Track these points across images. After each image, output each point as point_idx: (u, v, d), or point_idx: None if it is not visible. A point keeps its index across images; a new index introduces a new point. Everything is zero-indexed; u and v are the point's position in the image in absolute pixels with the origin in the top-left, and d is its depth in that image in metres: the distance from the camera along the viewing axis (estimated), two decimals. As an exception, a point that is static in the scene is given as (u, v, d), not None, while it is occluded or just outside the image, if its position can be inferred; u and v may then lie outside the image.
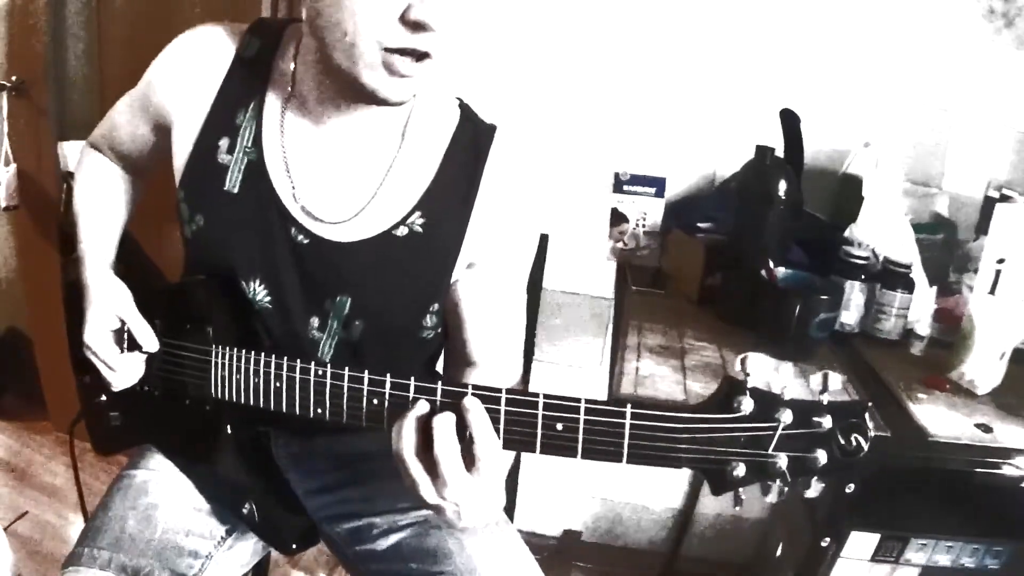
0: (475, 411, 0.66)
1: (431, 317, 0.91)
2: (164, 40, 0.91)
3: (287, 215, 0.85)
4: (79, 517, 1.12)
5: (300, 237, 0.85)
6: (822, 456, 0.60)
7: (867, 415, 0.60)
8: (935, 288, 1.36)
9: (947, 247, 1.50)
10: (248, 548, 0.98)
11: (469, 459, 0.67)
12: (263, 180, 0.86)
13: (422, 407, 0.68)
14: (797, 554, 1.44)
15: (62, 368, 1.09)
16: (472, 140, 0.88)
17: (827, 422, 0.60)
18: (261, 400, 0.82)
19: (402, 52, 0.70)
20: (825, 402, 0.60)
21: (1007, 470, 1.00)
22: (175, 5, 1.68)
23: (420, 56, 0.71)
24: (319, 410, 0.77)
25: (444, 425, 0.66)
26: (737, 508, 0.63)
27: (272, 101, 0.86)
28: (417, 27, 0.69)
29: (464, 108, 0.91)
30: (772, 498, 0.62)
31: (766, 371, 0.61)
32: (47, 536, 1.79)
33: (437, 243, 0.86)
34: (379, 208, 0.85)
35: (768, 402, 0.60)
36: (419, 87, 0.75)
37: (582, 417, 0.64)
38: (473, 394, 0.67)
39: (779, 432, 0.60)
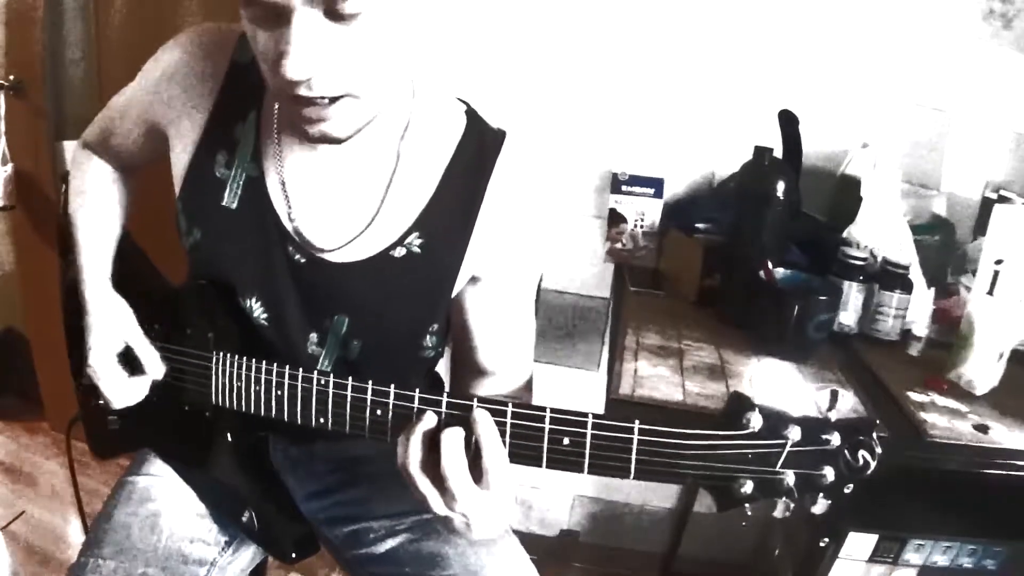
0: (484, 423, 0.65)
1: (431, 337, 0.90)
2: (162, 38, 0.88)
3: (285, 233, 0.83)
4: (76, 517, 1.12)
5: (298, 256, 0.83)
6: (829, 473, 0.60)
7: (874, 433, 0.60)
8: (933, 289, 1.36)
9: (945, 248, 1.50)
10: (249, 554, 0.98)
11: (477, 472, 0.65)
12: (261, 197, 0.83)
13: (429, 420, 0.67)
14: (795, 554, 1.44)
15: (59, 368, 1.08)
16: (478, 150, 0.84)
17: (835, 439, 0.60)
18: (263, 408, 0.81)
19: (306, 100, 0.66)
20: (833, 419, 0.61)
21: (1005, 471, 1.00)
22: (173, 4, 1.68)
23: (331, 99, 0.66)
24: (321, 419, 0.76)
25: (452, 439, 0.65)
26: (744, 524, 0.63)
27: (269, 113, 0.82)
28: (293, 82, 0.63)
29: (471, 115, 0.86)
30: (779, 514, 0.62)
31: (774, 387, 0.62)
32: (44, 536, 1.78)
33: (436, 263, 0.83)
34: (376, 231, 0.82)
35: (776, 419, 0.60)
36: (351, 125, 0.70)
37: (589, 432, 0.63)
38: (480, 406, 0.66)
39: (787, 449, 0.60)
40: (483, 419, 0.65)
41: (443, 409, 0.68)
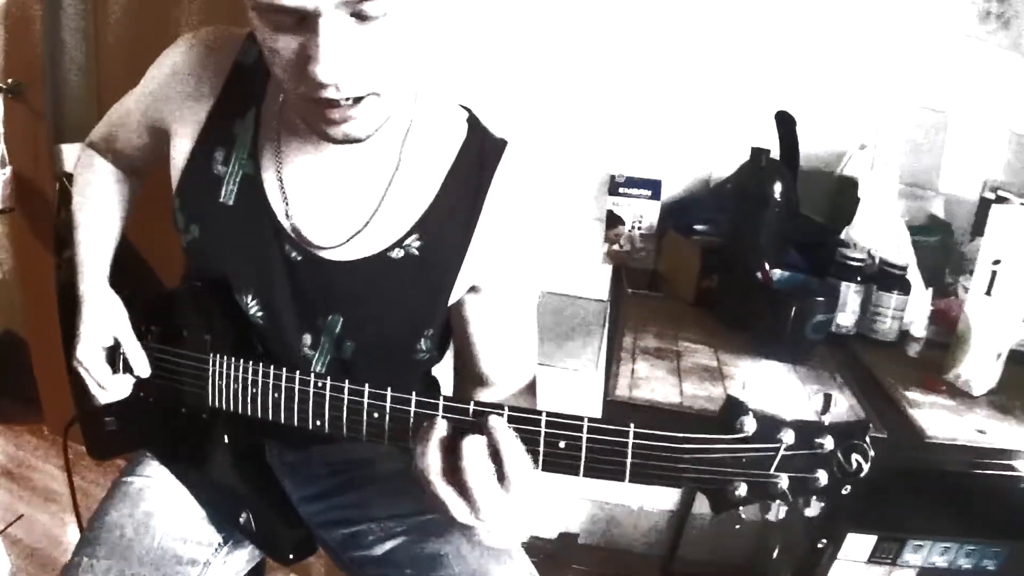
0: (502, 430, 0.64)
1: (425, 341, 0.89)
2: (161, 41, 0.89)
3: (281, 231, 0.83)
4: (74, 520, 1.12)
5: (294, 254, 0.84)
6: (823, 477, 0.61)
7: (867, 436, 0.61)
8: (931, 289, 1.36)
9: (943, 248, 1.51)
10: (244, 555, 0.98)
11: (501, 479, 0.64)
12: (258, 194, 0.83)
13: (442, 427, 0.66)
14: (794, 556, 1.44)
15: (58, 371, 1.08)
16: (478, 157, 0.83)
17: (828, 443, 0.60)
18: (259, 411, 0.81)
19: (330, 102, 0.66)
20: (826, 423, 0.61)
21: (1004, 471, 1.00)
22: (172, 6, 1.68)
23: (355, 99, 0.67)
24: (318, 422, 0.76)
25: (475, 448, 0.63)
26: (737, 527, 0.63)
27: (269, 112, 0.83)
28: (322, 84, 0.64)
29: (472, 122, 0.86)
30: (772, 517, 0.62)
31: (768, 390, 0.62)
32: (42, 539, 1.78)
33: (435, 266, 0.83)
34: (375, 231, 0.82)
35: (770, 423, 0.61)
36: (372, 124, 0.71)
37: (585, 436, 0.63)
38: (477, 410, 0.66)
39: (781, 453, 0.60)
40: (500, 426, 0.64)
41: (453, 415, 0.67)
